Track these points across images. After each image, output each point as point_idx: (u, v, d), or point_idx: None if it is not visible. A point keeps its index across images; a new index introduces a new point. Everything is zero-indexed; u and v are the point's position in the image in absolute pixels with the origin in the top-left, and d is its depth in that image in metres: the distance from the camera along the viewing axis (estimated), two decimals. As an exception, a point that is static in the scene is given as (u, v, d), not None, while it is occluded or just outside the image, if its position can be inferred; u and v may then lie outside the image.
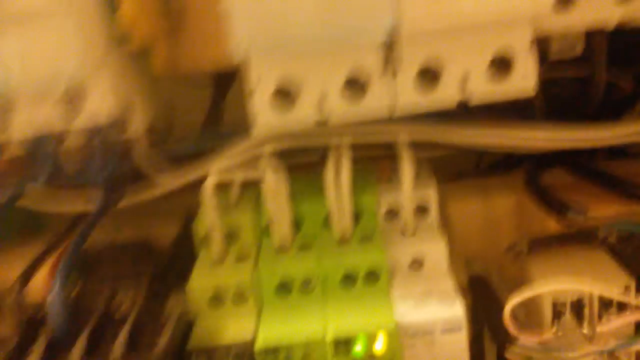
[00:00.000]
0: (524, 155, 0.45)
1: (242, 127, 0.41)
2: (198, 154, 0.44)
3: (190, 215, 0.42)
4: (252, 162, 0.41)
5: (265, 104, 0.35)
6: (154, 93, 0.42)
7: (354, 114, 0.35)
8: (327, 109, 0.35)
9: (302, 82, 0.34)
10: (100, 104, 0.36)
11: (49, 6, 0.33)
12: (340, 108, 0.35)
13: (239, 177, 0.42)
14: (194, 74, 0.46)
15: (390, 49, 0.34)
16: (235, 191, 0.43)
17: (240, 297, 0.37)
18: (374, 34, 0.33)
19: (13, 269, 0.41)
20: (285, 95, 0.35)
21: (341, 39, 0.33)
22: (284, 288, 0.37)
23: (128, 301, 0.37)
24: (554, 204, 0.39)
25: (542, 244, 0.39)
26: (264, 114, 0.35)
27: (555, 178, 0.43)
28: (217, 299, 0.38)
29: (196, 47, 0.41)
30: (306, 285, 0.37)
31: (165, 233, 0.45)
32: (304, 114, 0.35)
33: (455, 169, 0.49)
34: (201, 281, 0.38)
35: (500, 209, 0.45)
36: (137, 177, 0.44)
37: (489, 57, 0.34)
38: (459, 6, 0.32)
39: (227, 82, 0.49)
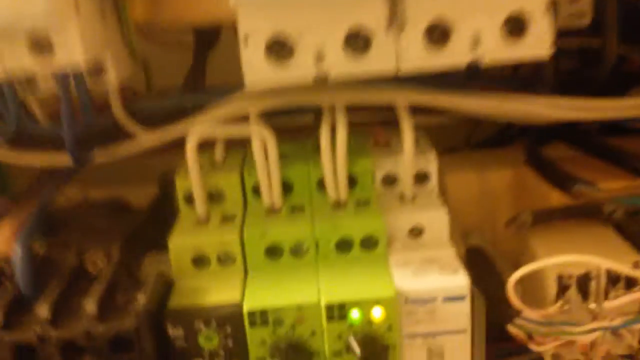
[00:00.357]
0: (520, 129, 0.43)
1: (226, 87, 0.39)
2: (180, 112, 0.41)
3: (168, 176, 0.40)
4: (240, 120, 0.39)
5: (258, 57, 0.31)
6: (132, 47, 0.39)
7: (355, 71, 0.32)
8: (326, 65, 0.32)
9: (300, 34, 0.31)
10: (69, 50, 0.32)
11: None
12: (340, 64, 0.32)
13: (224, 135, 0.40)
14: (176, 31, 0.43)
15: (396, 2, 0.32)
16: (220, 150, 0.40)
17: (226, 259, 0.35)
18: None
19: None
20: (280, 48, 0.31)
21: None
22: (273, 251, 0.35)
23: (102, 258, 0.34)
24: (559, 177, 0.37)
25: (545, 217, 0.37)
26: (256, 68, 0.31)
27: (556, 152, 0.42)
28: (200, 259, 0.35)
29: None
30: (298, 249, 0.35)
31: (142, 193, 0.43)
32: (301, 69, 0.32)
33: (446, 142, 0.47)
34: (183, 239, 0.35)
35: (497, 182, 0.43)
36: (116, 134, 0.41)
37: (503, 16, 0.32)
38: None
39: (210, 39, 0.46)
